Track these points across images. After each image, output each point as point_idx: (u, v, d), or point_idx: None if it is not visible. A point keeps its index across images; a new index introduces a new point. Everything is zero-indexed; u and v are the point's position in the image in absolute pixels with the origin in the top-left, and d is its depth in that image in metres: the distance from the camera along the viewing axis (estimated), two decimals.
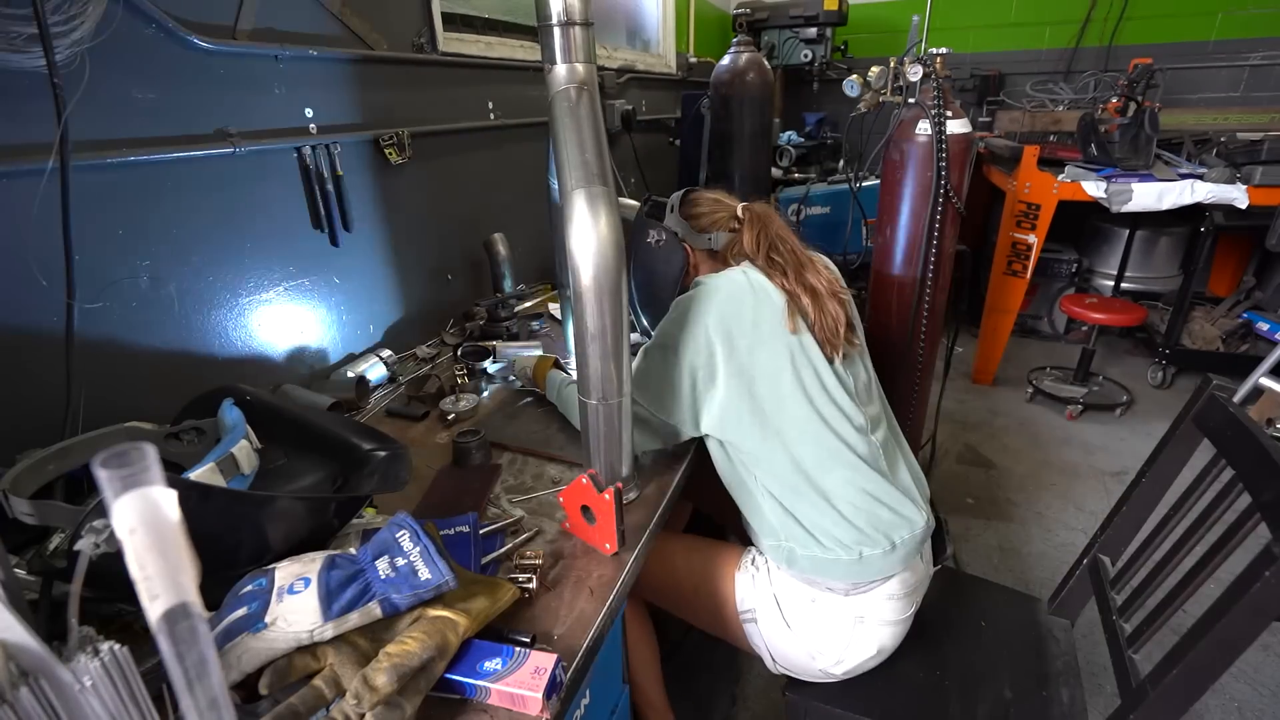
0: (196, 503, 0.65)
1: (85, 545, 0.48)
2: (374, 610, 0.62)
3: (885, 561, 0.97)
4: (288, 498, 0.76)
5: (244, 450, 0.81)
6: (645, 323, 1.22)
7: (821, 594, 1.00)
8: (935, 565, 1.13)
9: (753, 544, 1.10)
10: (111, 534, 0.49)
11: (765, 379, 0.96)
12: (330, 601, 0.61)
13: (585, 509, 0.87)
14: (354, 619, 0.61)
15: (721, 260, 1.12)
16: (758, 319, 0.97)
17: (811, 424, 0.97)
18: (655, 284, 1.15)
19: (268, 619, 0.59)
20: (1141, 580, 1.02)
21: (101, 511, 0.53)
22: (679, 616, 1.19)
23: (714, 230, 1.13)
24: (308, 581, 0.63)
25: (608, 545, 0.86)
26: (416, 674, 0.59)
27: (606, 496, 0.83)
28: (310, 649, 0.60)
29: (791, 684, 1.08)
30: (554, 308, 1.85)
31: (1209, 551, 0.87)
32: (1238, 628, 0.74)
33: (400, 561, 0.67)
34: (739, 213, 1.12)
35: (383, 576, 0.65)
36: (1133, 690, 0.88)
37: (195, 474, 0.75)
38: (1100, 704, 1.07)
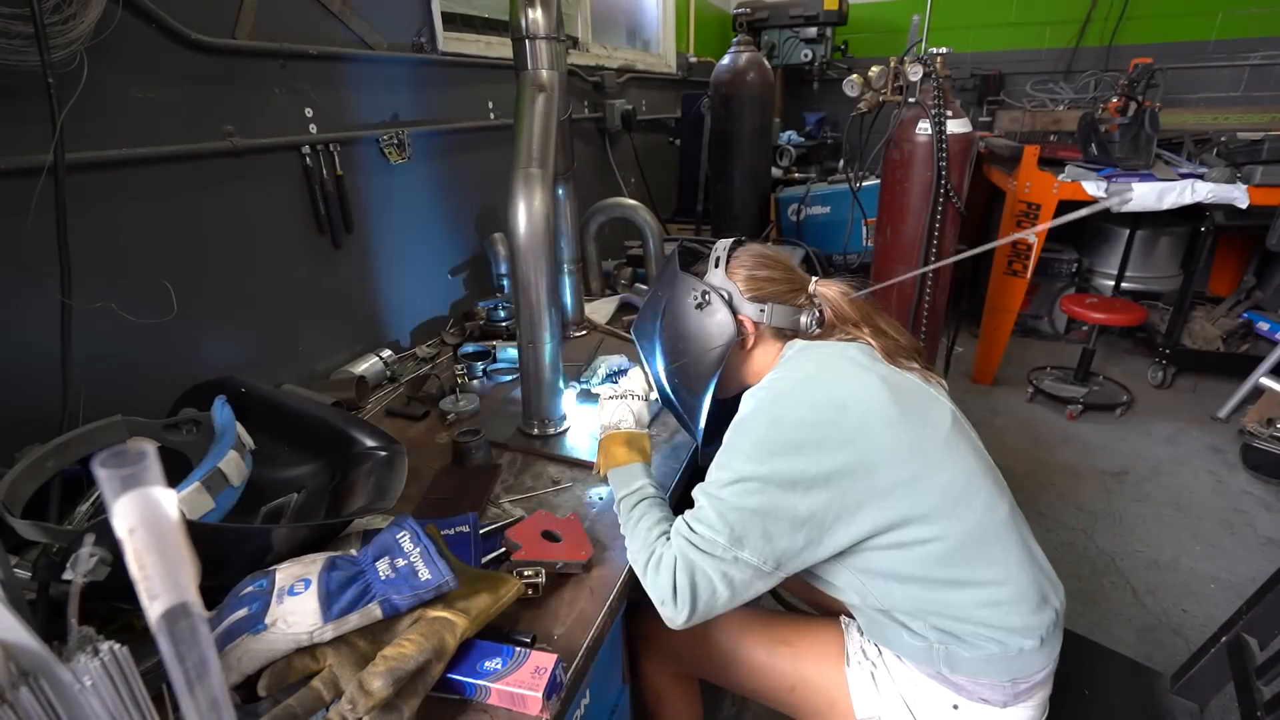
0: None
1: (70, 575, 0.48)
2: (374, 611, 0.62)
3: (1040, 655, 0.81)
4: (269, 530, 0.74)
5: (232, 461, 0.80)
6: (664, 382, 1.00)
7: (968, 703, 0.83)
8: None
9: (848, 623, 0.95)
10: (99, 562, 0.49)
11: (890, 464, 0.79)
12: (330, 603, 0.61)
13: (547, 533, 0.87)
14: (354, 620, 0.61)
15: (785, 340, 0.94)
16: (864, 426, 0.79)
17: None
18: (691, 351, 0.93)
19: (268, 620, 0.59)
20: None
21: (96, 529, 0.53)
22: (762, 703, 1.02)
23: (773, 302, 0.92)
24: (308, 583, 0.63)
25: (583, 552, 0.84)
26: (414, 676, 0.59)
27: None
28: (309, 650, 0.60)
29: None
30: None
31: None
32: None
33: (400, 562, 0.67)
34: (812, 290, 0.94)
35: (383, 577, 0.65)
36: None
37: (180, 495, 0.73)
38: (1116, 628, 0.89)
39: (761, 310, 0.91)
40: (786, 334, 0.93)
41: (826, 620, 0.99)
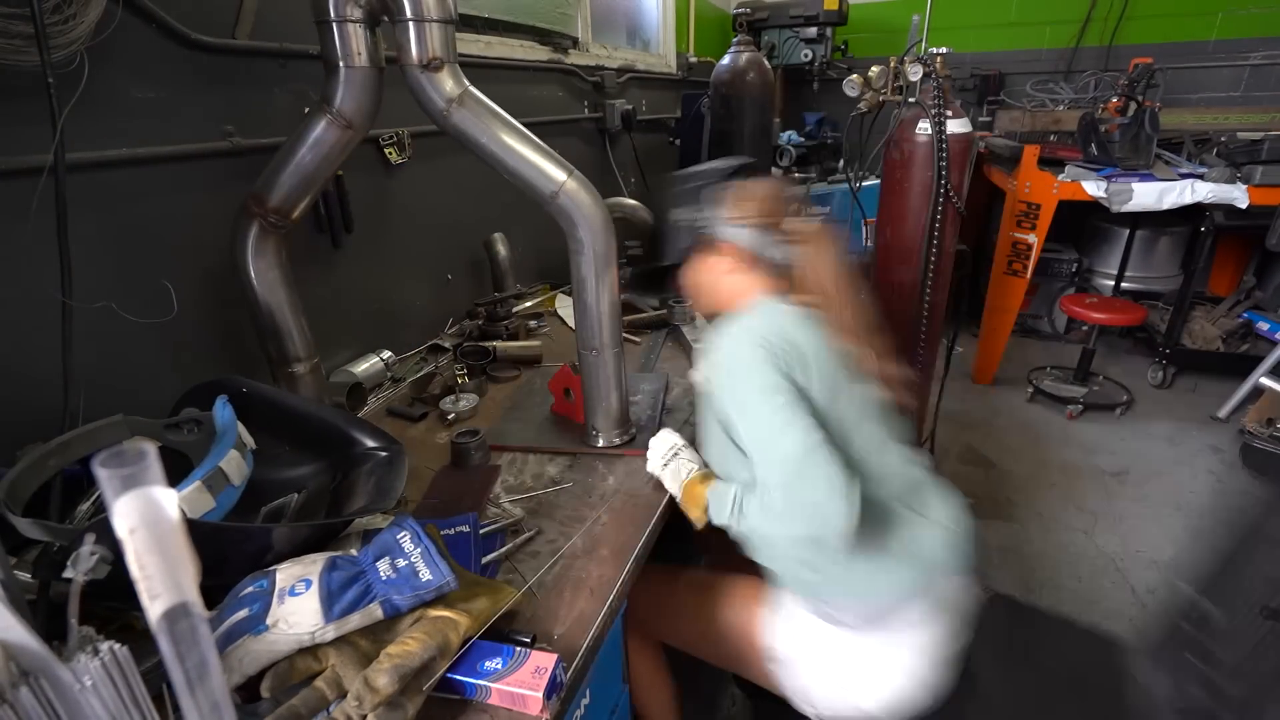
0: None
1: (71, 573, 0.48)
2: (375, 611, 0.62)
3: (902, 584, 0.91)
4: (270, 529, 0.74)
5: (233, 461, 0.80)
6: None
7: (832, 628, 0.94)
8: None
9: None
10: (99, 560, 0.49)
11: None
12: (331, 603, 0.61)
13: (566, 390, 1.14)
14: (355, 620, 0.61)
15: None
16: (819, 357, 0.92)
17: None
18: (661, 233, 1.10)
19: (269, 621, 0.59)
20: (1260, 638, 0.94)
21: (96, 529, 0.53)
22: (699, 658, 1.10)
23: (750, 228, 1.03)
24: (309, 583, 0.63)
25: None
26: (418, 674, 0.59)
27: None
28: (311, 650, 0.60)
29: None
30: (562, 310, 1.85)
31: None
32: None
33: (401, 563, 0.67)
34: (785, 226, 1.03)
35: (384, 578, 0.65)
36: None
37: (181, 494, 0.73)
38: (1116, 628, 0.97)
39: (736, 235, 1.01)
40: (763, 268, 1.02)
41: (758, 578, 1.06)
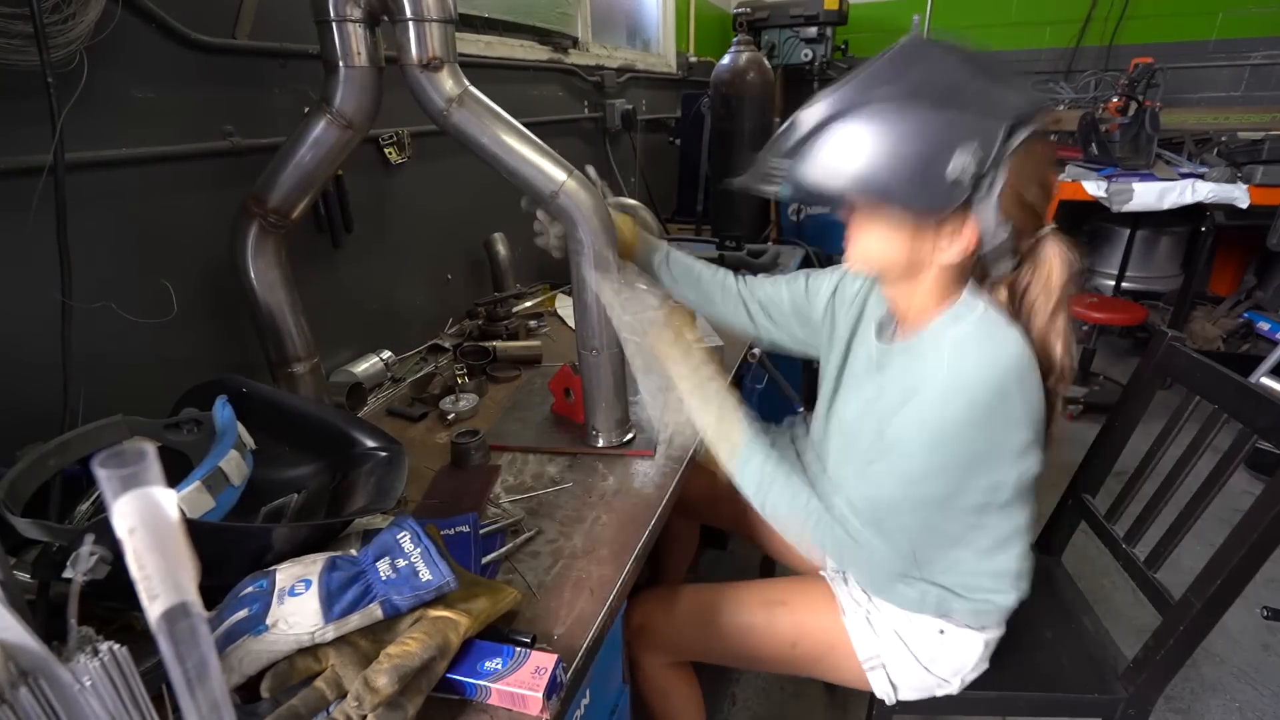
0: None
1: (71, 573, 0.48)
2: (375, 611, 0.62)
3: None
4: (270, 529, 0.74)
5: (233, 461, 0.80)
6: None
7: (953, 627, 0.94)
8: None
9: (834, 574, 1.04)
10: (99, 560, 0.49)
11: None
12: (331, 603, 0.61)
13: (566, 391, 1.14)
14: (355, 620, 0.61)
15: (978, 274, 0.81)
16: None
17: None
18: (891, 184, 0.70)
19: (269, 621, 0.59)
20: (1142, 510, 1.14)
21: (95, 529, 0.53)
22: (759, 670, 1.12)
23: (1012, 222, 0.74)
24: (309, 584, 0.63)
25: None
26: (418, 674, 0.59)
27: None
28: (311, 650, 0.60)
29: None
30: (562, 310, 1.85)
31: (1211, 475, 1.01)
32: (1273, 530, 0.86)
33: (401, 563, 0.67)
34: (1043, 233, 0.79)
35: (384, 578, 0.65)
36: (1174, 605, 0.98)
37: (181, 494, 0.73)
38: (1117, 629, 1.14)
39: (997, 223, 0.72)
40: (977, 270, 0.80)
41: (812, 577, 1.06)
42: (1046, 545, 1.34)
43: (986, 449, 0.78)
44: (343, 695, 0.58)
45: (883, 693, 0.98)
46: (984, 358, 0.75)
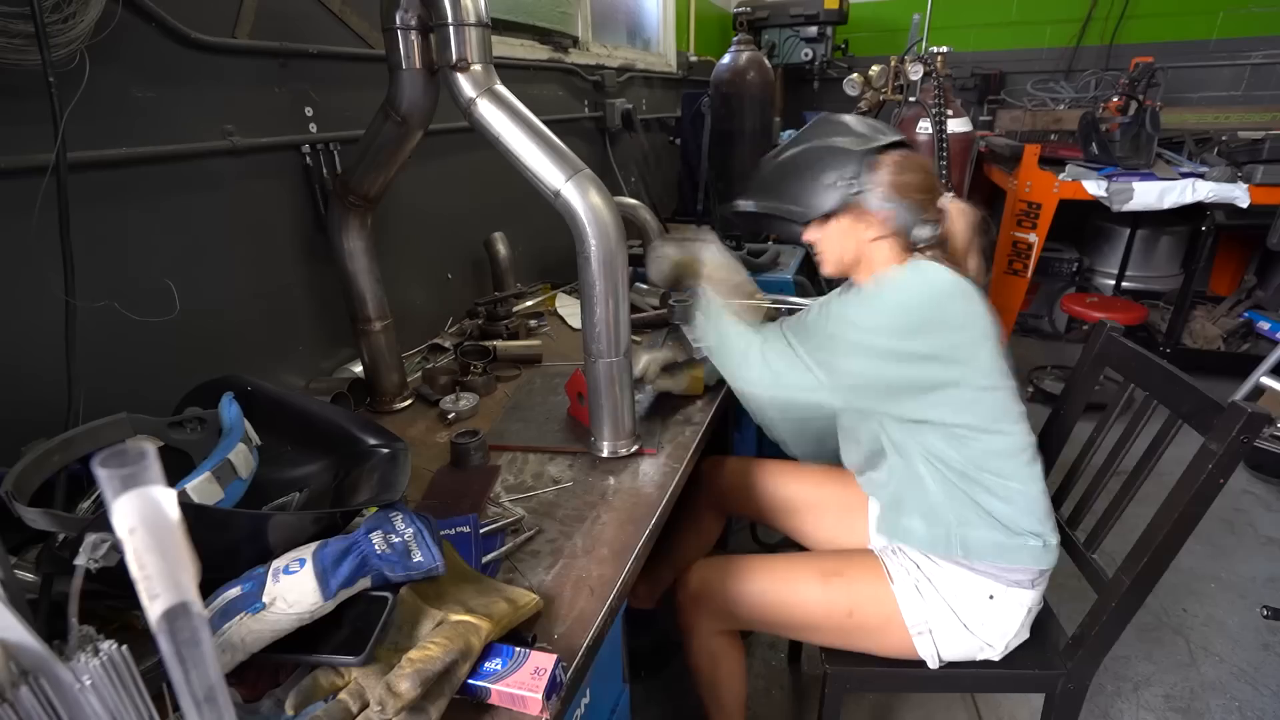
0: (191, 521, 0.65)
1: (82, 560, 0.48)
2: (366, 583, 0.63)
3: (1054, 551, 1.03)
4: (281, 516, 0.75)
5: (240, 454, 0.80)
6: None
7: (1004, 589, 1.01)
8: None
9: (883, 545, 1.11)
10: (110, 548, 0.49)
11: (980, 369, 1.00)
12: (327, 578, 0.62)
13: (580, 395, 1.13)
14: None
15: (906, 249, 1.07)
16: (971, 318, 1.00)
17: (1014, 405, 1.03)
18: (801, 184, 1.07)
19: (265, 599, 0.59)
20: (1083, 493, 1.20)
21: (103, 522, 0.53)
22: (807, 642, 1.19)
23: (902, 204, 1.03)
24: (303, 562, 0.63)
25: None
26: (440, 678, 0.59)
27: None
28: (333, 667, 0.61)
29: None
30: (563, 310, 1.85)
31: (1142, 458, 1.08)
32: (1191, 509, 0.94)
33: (394, 538, 0.68)
34: (942, 204, 1.07)
35: (378, 551, 0.66)
36: (1108, 584, 1.02)
37: (190, 485, 0.74)
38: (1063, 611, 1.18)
39: (890, 208, 1.03)
40: (906, 242, 1.05)
41: (861, 551, 1.14)
42: None
43: (920, 325, 0.98)
44: (366, 706, 0.59)
45: (927, 656, 1.04)
46: (911, 275, 1.01)
